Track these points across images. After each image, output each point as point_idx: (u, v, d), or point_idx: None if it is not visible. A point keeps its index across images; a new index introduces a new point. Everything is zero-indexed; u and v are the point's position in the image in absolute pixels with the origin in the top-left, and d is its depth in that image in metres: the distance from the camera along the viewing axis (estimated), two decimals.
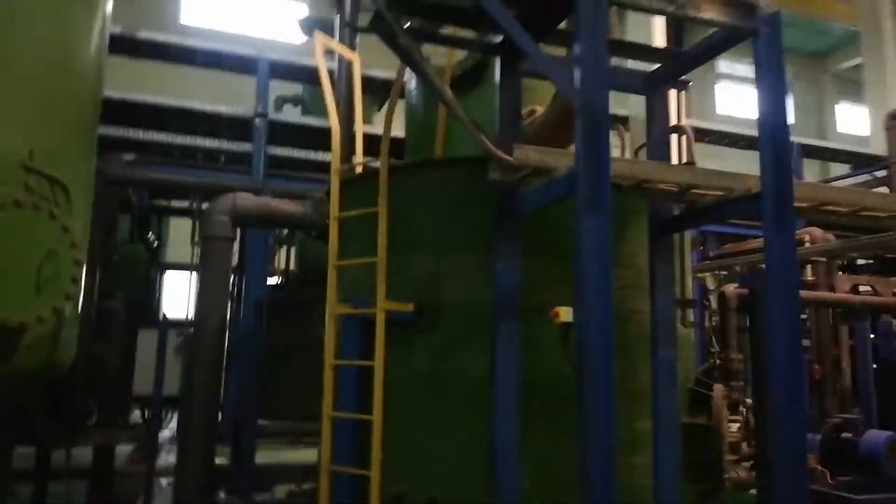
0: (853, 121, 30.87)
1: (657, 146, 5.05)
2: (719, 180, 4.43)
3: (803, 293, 11.41)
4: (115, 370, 6.76)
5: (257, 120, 9.52)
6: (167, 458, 10.88)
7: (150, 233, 12.88)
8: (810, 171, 19.43)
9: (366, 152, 6.15)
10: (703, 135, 13.08)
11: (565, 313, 4.01)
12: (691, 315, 5.44)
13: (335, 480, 4.99)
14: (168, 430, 13.22)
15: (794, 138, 13.25)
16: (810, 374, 10.50)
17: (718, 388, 5.67)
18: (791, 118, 14.21)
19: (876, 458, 7.39)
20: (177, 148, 9.68)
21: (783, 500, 3.87)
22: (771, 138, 4.14)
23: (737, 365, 8.55)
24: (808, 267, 11.68)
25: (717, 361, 9.17)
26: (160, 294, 14.96)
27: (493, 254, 4.65)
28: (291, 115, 12.89)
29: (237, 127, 9.96)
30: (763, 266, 7.91)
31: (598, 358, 3.51)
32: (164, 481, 9.56)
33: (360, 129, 6.24)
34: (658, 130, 5.04)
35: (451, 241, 5.22)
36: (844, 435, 7.80)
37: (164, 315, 10.36)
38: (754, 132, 4.78)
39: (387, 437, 5.10)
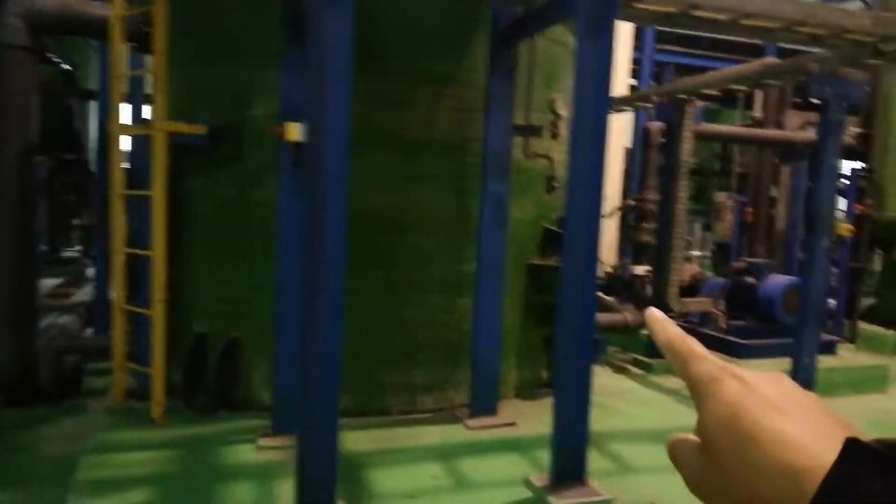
0: None
1: None
2: None
3: (734, 130, 10.61)
4: None
5: None
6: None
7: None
8: None
9: None
10: None
11: (293, 130, 3.28)
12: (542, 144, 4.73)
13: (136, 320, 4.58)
14: None
15: None
16: (742, 217, 10.02)
17: None
18: None
19: (771, 302, 7.05)
20: None
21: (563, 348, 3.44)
22: None
23: (651, 206, 7.99)
24: (758, 100, 10.79)
25: (632, 202, 8.64)
26: (84, 123, 14.03)
27: (283, 66, 3.84)
28: None
29: None
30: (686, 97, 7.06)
31: (329, 183, 2.87)
32: None
33: None
34: None
35: (262, 50, 4.38)
36: (747, 279, 7.41)
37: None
38: None
39: (189, 273, 4.63)
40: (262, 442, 3.87)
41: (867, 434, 0.39)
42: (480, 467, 3.79)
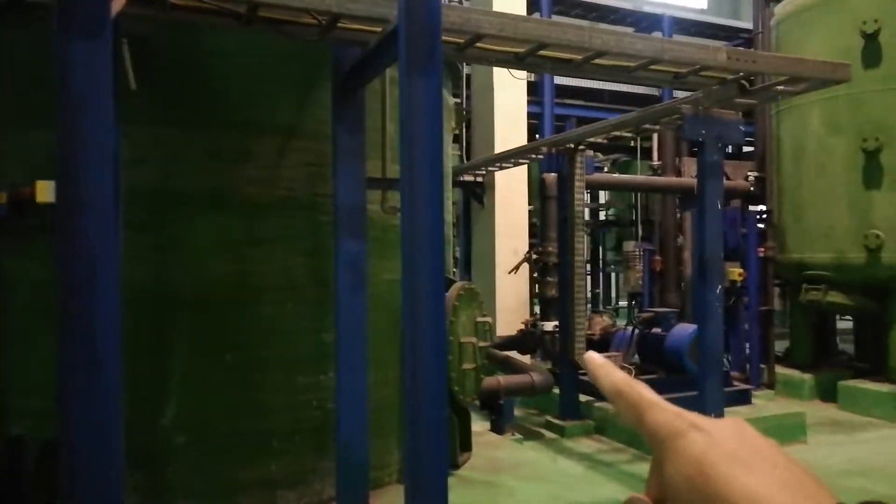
0: None
1: None
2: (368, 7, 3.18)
3: (626, 178, 10.66)
4: None
5: None
6: None
7: None
8: None
9: None
10: None
11: (44, 190, 2.77)
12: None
13: None
14: None
15: None
16: (651, 266, 9.91)
17: (453, 288, 4.69)
18: None
19: (678, 353, 6.78)
20: None
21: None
22: None
23: (553, 258, 7.73)
24: (654, 148, 10.93)
25: (533, 255, 8.37)
26: None
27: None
28: None
29: None
30: (571, 147, 6.90)
31: (94, 263, 2.33)
32: None
33: None
34: None
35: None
36: (654, 330, 7.14)
37: None
38: None
39: (5, 362, 3.93)
40: None
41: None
42: None
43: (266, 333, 3.95)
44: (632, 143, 10.81)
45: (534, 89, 11.33)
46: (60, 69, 2.30)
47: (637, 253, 9.92)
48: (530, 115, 11.41)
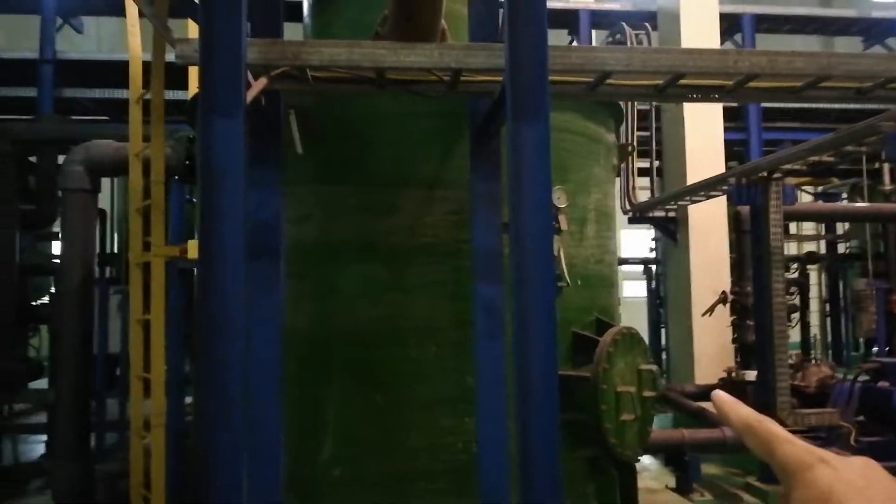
0: None
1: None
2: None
3: (835, 206, 9.01)
4: None
5: None
6: None
7: None
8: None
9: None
10: None
11: (193, 248, 3.14)
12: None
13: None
14: None
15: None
16: (887, 307, 8.39)
17: (608, 334, 4.46)
18: None
19: None
20: None
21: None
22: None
23: (750, 300, 6.93)
24: (885, 171, 9.33)
25: (731, 297, 7.61)
26: None
27: (248, 179, 3.84)
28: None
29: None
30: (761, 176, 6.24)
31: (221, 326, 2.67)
32: None
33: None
34: None
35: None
36: (882, 383, 6.03)
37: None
38: None
39: None
40: None
41: None
42: None
43: (411, 376, 4.12)
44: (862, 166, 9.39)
45: (738, 115, 10.49)
46: (202, 145, 2.72)
47: (870, 292, 8.53)
48: (737, 143, 10.56)
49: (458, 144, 4.26)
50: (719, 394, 0.52)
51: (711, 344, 8.24)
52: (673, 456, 5.88)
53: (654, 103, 9.28)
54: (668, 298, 9.40)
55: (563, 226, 4.06)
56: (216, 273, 2.66)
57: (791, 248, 13.75)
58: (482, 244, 3.93)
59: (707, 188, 7.06)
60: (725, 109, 9.43)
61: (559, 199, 4.06)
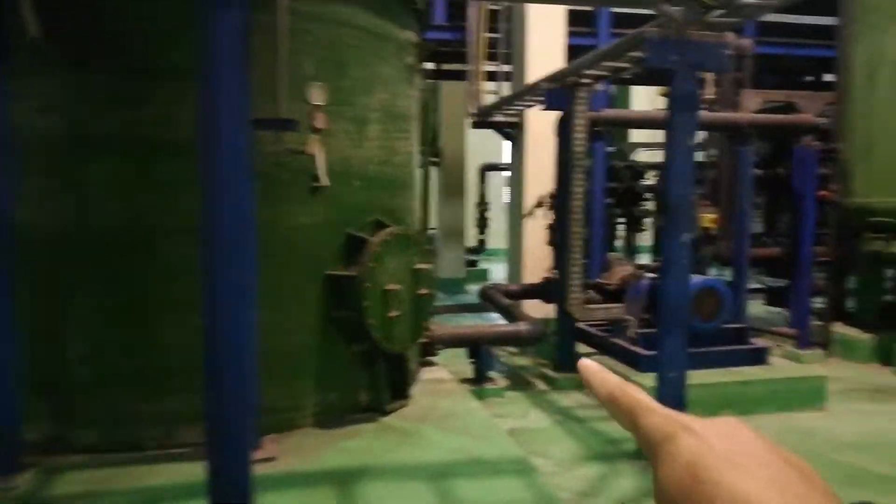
0: None
1: None
2: None
3: (626, 112, 9.33)
4: None
5: None
6: None
7: None
8: None
9: None
10: None
11: None
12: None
13: None
14: None
15: None
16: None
17: (379, 234, 4.53)
18: None
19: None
20: None
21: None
22: None
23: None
24: (709, 81, 9.80)
25: (548, 201, 7.92)
26: None
27: None
28: None
29: None
30: (576, 80, 6.35)
31: None
32: None
33: None
34: None
35: None
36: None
37: None
38: None
39: None
40: None
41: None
42: None
43: (165, 275, 4.05)
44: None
45: (589, 19, 10.51)
46: None
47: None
48: (588, 48, 10.63)
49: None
50: (585, 362, 0.50)
51: (538, 246, 8.60)
52: (472, 350, 6.23)
53: (506, 3, 9.14)
54: (510, 204, 9.66)
55: (320, 124, 3.97)
56: None
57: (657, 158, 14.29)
58: (229, 140, 3.80)
59: (528, 93, 7.14)
60: (573, 13, 9.42)
61: (315, 95, 3.95)
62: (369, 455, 3.97)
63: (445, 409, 4.83)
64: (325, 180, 4.05)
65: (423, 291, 4.82)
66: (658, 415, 0.44)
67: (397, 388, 4.80)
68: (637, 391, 0.46)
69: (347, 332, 4.57)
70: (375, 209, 4.81)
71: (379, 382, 4.64)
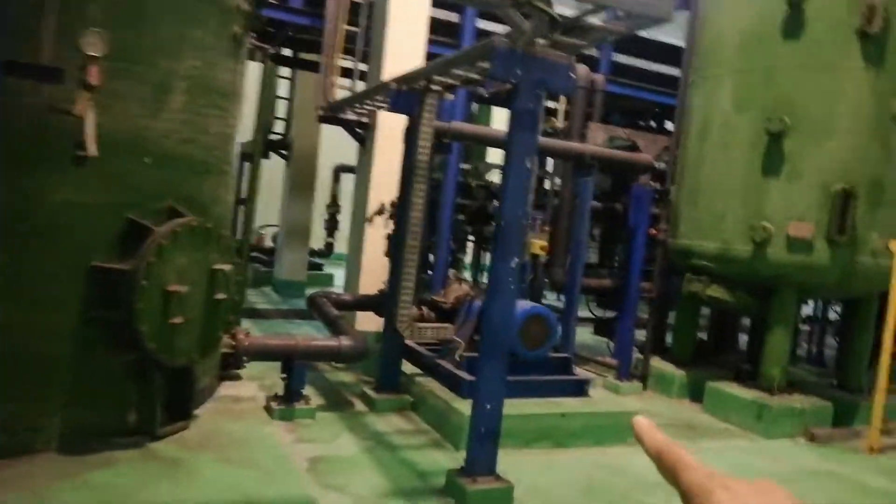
0: None
1: None
2: None
3: (476, 128, 9.53)
4: None
5: None
6: None
7: None
8: None
9: None
10: None
11: None
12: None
13: None
14: None
15: None
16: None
17: (168, 224, 3.82)
18: None
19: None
20: None
21: None
22: None
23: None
24: (560, 112, 10.01)
25: (389, 207, 7.52)
26: None
27: None
28: None
29: None
30: (425, 84, 5.98)
31: None
32: None
33: None
34: None
35: None
36: None
37: None
38: None
39: None
40: None
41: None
42: None
43: None
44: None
45: (453, 32, 10.28)
46: None
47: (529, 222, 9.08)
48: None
49: None
50: (639, 419, 0.53)
51: (378, 255, 8.15)
52: (284, 364, 5.61)
53: None
54: (354, 209, 9.11)
55: (94, 80, 3.22)
56: None
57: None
58: None
59: (377, 92, 6.69)
60: (437, 22, 9.13)
61: (91, 44, 3.19)
62: (116, 492, 3.25)
63: (233, 434, 4.18)
64: (92, 149, 3.28)
65: (222, 296, 4.15)
66: (699, 472, 0.48)
67: (177, 407, 4.08)
68: (681, 449, 0.50)
69: (114, 339, 3.79)
70: (170, 194, 4.09)
71: (152, 400, 3.90)
